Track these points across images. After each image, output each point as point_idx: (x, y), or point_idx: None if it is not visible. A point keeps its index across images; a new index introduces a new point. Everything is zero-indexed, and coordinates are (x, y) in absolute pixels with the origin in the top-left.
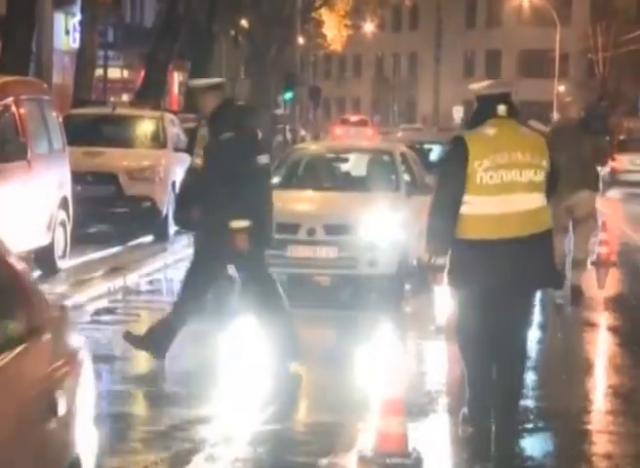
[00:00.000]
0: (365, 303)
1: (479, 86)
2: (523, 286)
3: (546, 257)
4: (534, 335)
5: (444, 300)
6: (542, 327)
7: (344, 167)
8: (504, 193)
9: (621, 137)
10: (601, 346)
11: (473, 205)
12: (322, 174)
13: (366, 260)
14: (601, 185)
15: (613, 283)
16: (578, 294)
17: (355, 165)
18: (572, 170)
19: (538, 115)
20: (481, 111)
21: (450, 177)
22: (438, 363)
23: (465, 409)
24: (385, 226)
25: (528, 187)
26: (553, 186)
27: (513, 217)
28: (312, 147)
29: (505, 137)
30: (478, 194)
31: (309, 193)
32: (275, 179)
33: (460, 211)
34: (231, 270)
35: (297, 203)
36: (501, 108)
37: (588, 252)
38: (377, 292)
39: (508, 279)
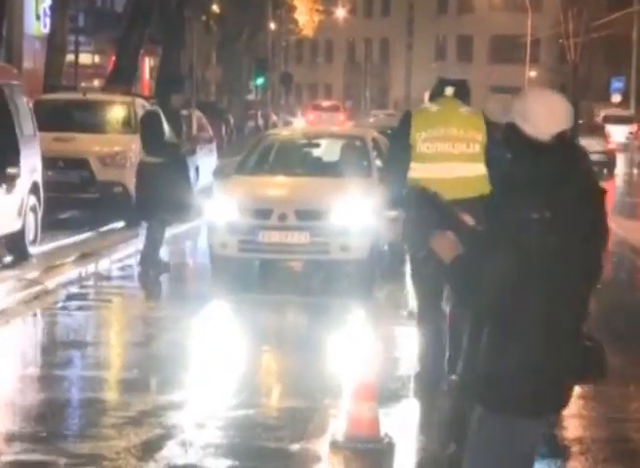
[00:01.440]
0: (337, 288)
1: (438, 68)
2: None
3: (478, 217)
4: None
5: None
6: None
7: (316, 152)
8: (439, 161)
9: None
10: None
11: (416, 170)
12: (294, 159)
13: (338, 246)
14: None
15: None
16: None
17: (327, 150)
18: None
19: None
20: (434, 90)
21: (397, 145)
22: (410, 348)
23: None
24: (357, 212)
25: (460, 158)
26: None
27: (450, 182)
28: (284, 133)
29: (445, 114)
30: (418, 161)
31: (281, 179)
32: (247, 165)
33: (407, 174)
34: None
35: (268, 188)
36: (449, 90)
37: None
38: (349, 278)
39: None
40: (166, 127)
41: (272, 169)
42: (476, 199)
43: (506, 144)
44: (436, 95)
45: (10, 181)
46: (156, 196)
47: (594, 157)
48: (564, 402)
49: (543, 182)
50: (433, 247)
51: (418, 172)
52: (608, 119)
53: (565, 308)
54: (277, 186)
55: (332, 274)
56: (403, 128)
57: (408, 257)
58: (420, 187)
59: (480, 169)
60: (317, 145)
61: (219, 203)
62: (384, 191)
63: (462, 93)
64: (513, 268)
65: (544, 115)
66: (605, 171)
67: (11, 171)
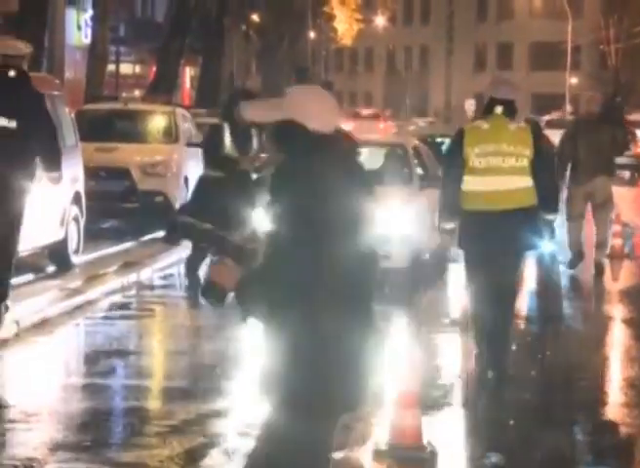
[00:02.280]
0: (379, 297)
1: (487, 88)
2: (508, 248)
3: (527, 227)
4: (547, 328)
5: (457, 293)
6: (558, 318)
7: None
8: (491, 175)
9: None
10: (616, 339)
11: (469, 183)
12: None
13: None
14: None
15: (626, 275)
16: (600, 270)
17: (368, 158)
18: (590, 158)
19: (550, 107)
20: (484, 109)
21: (452, 160)
22: (452, 356)
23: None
24: (398, 219)
25: (510, 171)
26: (547, 169)
27: (500, 194)
28: None
29: (495, 131)
30: (471, 175)
31: None
32: None
33: (461, 187)
34: None
35: None
36: (498, 108)
37: (609, 232)
38: (390, 286)
39: (497, 242)
40: (227, 141)
41: None
42: (523, 210)
43: (279, 141)
44: (487, 112)
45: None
46: (212, 209)
47: (623, 160)
48: (356, 402)
49: (324, 173)
50: (214, 278)
51: (470, 185)
52: (636, 124)
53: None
54: None
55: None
56: (456, 144)
57: (464, 264)
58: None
59: (528, 181)
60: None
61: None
62: (439, 203)
63: (510, 111)
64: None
65: (327, 109)
66: (636, 174)
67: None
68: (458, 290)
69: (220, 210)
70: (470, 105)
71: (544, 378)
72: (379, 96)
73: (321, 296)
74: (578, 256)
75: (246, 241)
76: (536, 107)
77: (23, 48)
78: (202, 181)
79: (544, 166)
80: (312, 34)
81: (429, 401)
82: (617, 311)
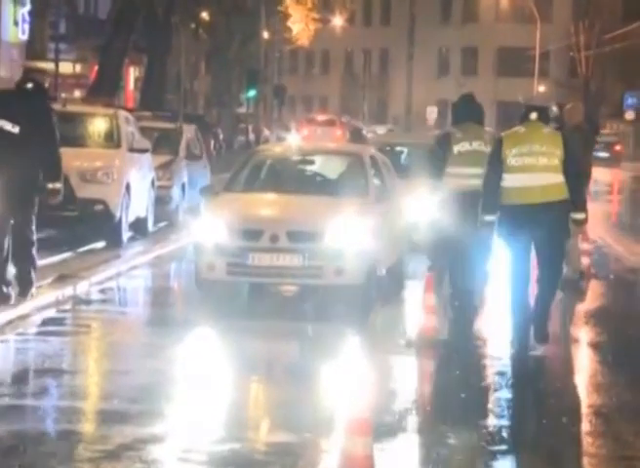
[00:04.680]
0: (331, 315)
1: (528, 98)
2: (544, 235)
3: (560, 218)
4: (510, 352)
5: (414, 312)
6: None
7: (310, 170)
8: (526, 172)
9: None
10: (581, 363)
11: (507, 180)
12: (286, 177)
13: (332, 269)
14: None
15: (593, 295)
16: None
17: (322, 168)
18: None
19: (515, 117)
20: (522, 115)
21: (492, 162)
22: (408, 379)
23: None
24: (353, 233)
25: (543, 169)
26: (574, 171)
27: (535, 189)
28: (276, 149)
29: (530, 134)
30: (509, 172)
31: (273, 197)
32: (236, 183)
33: (500, 184)
34: None
35: (259, 208)
36: (533, 114)
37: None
38: (343, 304)
39: (534, 231)
40: None
41: (263, 187)
42: (556, 202)
43: None
44: (523, 118)
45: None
46: None
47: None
48: None
49: None
50: None
51: (508, 181)
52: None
53: None
54: (268, 205)
55: (326, 300)
56: (496, 147)
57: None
58: None
59: (559, 178)
60: (311, 162)
61: (206, 223)
62: (482, 198)
63: (544, 117)
64: None
65: None
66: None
67: None
68: (414, 308)
69: None
70: (432, 113)
71: (509, 403)
72: (335, 101)
73: None
74: (582, 276)
75: None
76: (501, 116)
77: (45, 66)
78: None
79: (572, 168)
80: (266, 34)
81: (383, 427)
82: (583, 334)
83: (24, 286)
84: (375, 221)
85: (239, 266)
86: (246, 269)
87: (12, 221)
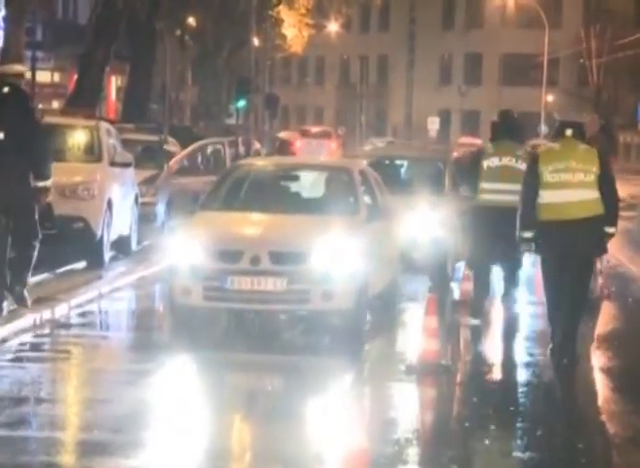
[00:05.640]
0: (319, 344)
1: (562, 115)
2: (580, 252)
3: (595, 234)
4: (522, 377)
5: (414, 335)
6: (530, 366)
7: (295, 186)
8: (562, 189)
9: None
10: (592, 389)
11: (544, 197)
12: (269, 194)
13: (319, 294)
14: None
15: (606, 317)
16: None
17: (308, 184)
18: None
19: (522, 128)
20: (557, 131)
21: (528, 179)
22: (409, 407)
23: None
24: (342, 254)
25: (579, 185)
26: (610, 186)
27: (571, 205)
28: (258, 163)
29: (566, 151)
30: (545, 189)
31: (254, 216)
32: (214, 200)
33: (537, 200)
34: None
35: (239, 227)
36: (568, 131)
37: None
38: (332, 331)
39: (569, 247)
40: None
41: (244, 204)
42: (592, 218)
43: None
44: (558, 135)
45: None
46: None
47: None
48: None
49: None
50: None
51: (545, 198)
52: None
53: None
54: (249, 224)
55: (312, 327)
56: (532, 164)
57: (541, 268)
58: None
59: (595, 194)
60: (296, 178)
61: (182, 243)
62: (518, 215)
63: (579, 133)
64: None
65: None
66: None
67: None
68: (414, 331)
69: None
70: (433, 124)
71: (516, 433)
72: (330, 111)
73: None
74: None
75: None
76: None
77: (19, 68)
78: None
79: (607, 183)
80: (256, 41)
81: (382, 459)
82: (594, 359)
83: (19, 288)
84: (365, 241)
85: (217, 290)
86: (224, 294)
87: (13, 232)
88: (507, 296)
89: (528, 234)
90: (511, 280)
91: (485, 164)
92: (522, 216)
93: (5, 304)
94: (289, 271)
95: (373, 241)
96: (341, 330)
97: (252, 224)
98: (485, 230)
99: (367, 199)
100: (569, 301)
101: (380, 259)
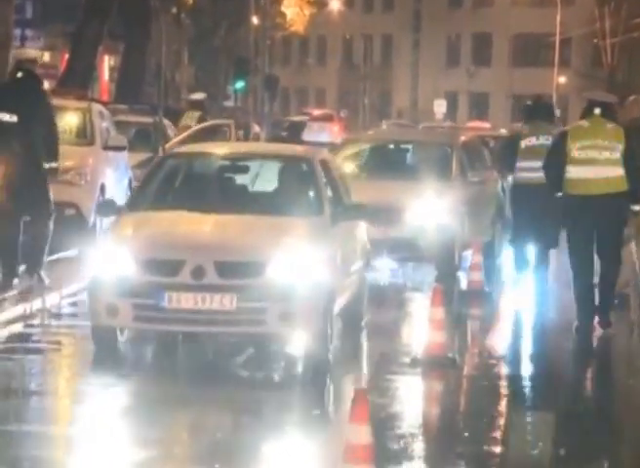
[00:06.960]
0: (275, 374)
1: (591, 93)
2: (605, 223)
3: (620, 209)
4: (531, 370)
5: (420, 327)
6: (541, 357)
7: (244, 180)
8: (590, 165)
9: None
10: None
11: (571, 172)
12: (211, 190)
13: (276, 313)
14: None
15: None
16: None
17: (259, 177)
18: None
19: (554, 110)
20: (586, 110)
21: (553, 151)
22: (414, 401)
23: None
24: (304, 265)
25: (605, 162)
26: (634, 165)
27: (597, 181)
28: (197, 151)
29: (594, 128)
30: (573, 165)
31: (195, 217)
32: (144, 197)
33: (565, 175)
34: None
35: (177, 231)
36: (597, 110)
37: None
38: (291, 358)
39: (596, 219)
40: None
41: (182, 202)
42: (617, 194)
43: None
44: (587, 113)
45: None
46: None
47: None
48: None
49: None
50: None
51: (573, 173)
52: None
53: None
54: (190, 228)
55: (268, 354)
56: (560, 140)
57: (568, 241)
58: None
59: (620, 171)
60: (245, 169)
61: (106, 251)
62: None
63: (608, 113)
64: None
65: None
66: None
67: None
68: (420, 323)
69: None
70: (440, 106)
71: (525, 428)
72: (332, 93)
73: None
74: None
75: None
76: (517, 110)
77: (33, 53)
78: None
79: (632, 162)
80: (255, 19)
81: (385, 455)
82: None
83: (37, 268)
84: (331, 248)
85: (151, 310)
86: (160, 314)
87: (27, 218)
88: (536, 275)
89: (559, 193)
90: (542, 258)
91: (523, 144)
92: (549, 180)
93: (16, 281)
94: (239, 286)
95: (339, 248)
96: (303, 356)
97: (193, 227)
98: (523, 207)
99: (330, 195)
100: (602, 263)
101: (346, 270)
